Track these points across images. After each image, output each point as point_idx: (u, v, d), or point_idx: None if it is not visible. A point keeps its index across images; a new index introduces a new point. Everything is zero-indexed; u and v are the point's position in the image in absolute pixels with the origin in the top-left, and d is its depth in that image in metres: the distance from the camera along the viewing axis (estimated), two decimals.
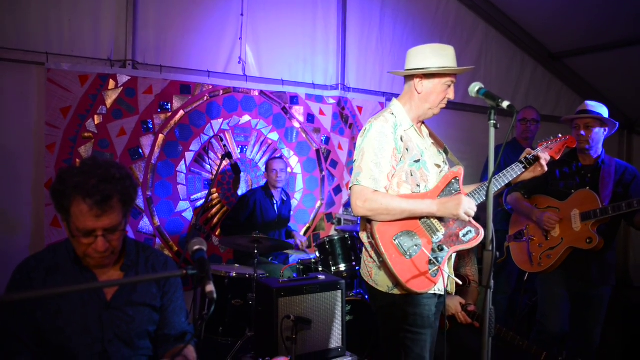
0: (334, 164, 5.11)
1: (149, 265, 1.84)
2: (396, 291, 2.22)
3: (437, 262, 2.17)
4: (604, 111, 3.12)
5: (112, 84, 3.94)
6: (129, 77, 4.00)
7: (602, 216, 2.96)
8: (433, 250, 2.19)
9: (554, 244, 3.13)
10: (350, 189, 2.23)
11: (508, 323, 3.96)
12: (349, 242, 3.95)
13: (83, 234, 1.61)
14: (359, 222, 4.62)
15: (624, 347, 3.98)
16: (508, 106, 1.84)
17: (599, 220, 2.99)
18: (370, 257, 2.30)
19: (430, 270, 2.17)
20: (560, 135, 2.54)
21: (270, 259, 4.35)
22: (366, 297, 3.73)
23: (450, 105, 2.44)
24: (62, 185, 1.59)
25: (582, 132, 3.09)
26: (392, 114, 2.29)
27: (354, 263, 3.91)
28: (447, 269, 2.25)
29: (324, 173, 5.06)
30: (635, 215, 2.99)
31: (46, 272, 1.70)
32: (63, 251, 1.75)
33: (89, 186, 1.57)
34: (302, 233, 4.94)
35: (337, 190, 5.14)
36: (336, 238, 3.95)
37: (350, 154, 5.16)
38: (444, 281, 2.23)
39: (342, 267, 3.88)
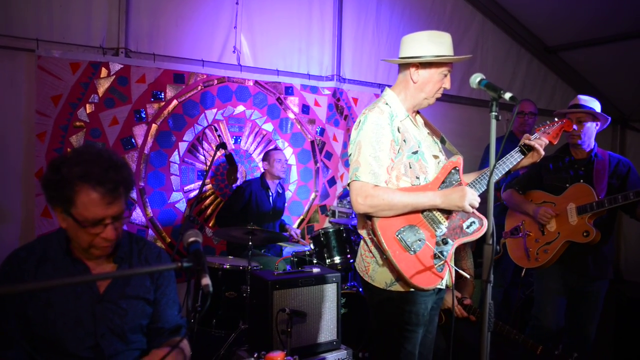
0: (329, 155, 5.08)
1: (142, 258, 1.81)
2: (394, 288, 2.15)
3: (442, 256, 2.11)
4: (596, 105, 3.11)
5: (104, 72, 3.87)
6: (122, 66, 3.93)
7: (599, 209, 2.94)
8: (437, 244, 2.13)
9: (550, 239, 3.12)
10: (348, 185, 2.15)
11: (503, 316, 3.96)
12: (344, 235, 3.93)
13: (92, 224, 1.58)
14: (353, 214, 4.61)
15: (617, 340, 4.00)
16: (510, 98, 1.80)
17: (596, 213, 2.97)
18: (370, 252, 2.23)
19: (435, 265, 2.11)
20: (556, 119, 2.50)
21: (263, 251, 4.32)
22: (360, 289, 3.71)
23: (445, 97, 2.40)
24: (61, 174, 1.55)
25: (575, 127, 3.07)
26: (387, 104, 2.20)
27: (348, 255, 3.88)
28: (452, 263, 2.20)
29: (318, 165, 5.02)
30: (637, 207, 2.97)
31: (37, 263, 1.66)
32: (54, 242, 1.70)
33: (98, 174, 1.55)
34: (296, 225, 4.91)
35: (332, 182, 5.11)
36: (331, 230, 3.93)
37: (345, 145, 5.13)
38: (451, 276, 2.18)
39: (337, 259, 3.85)
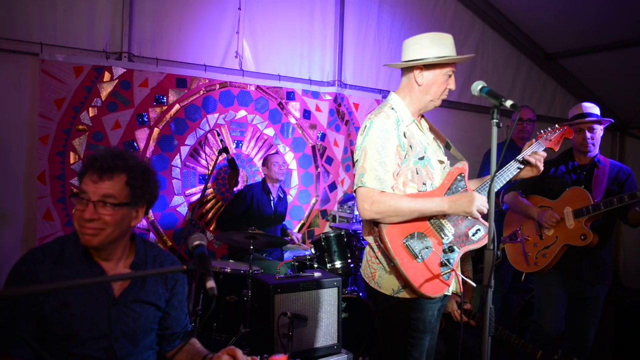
0: (330, 160, 5.10)
1: (157, 264, 1.84)
2: (401, 295, 2.12)
3: (449, 263, 2.10)
4: (598, 111, 3.16)
5: (107, 76, 3.90)
6: (125, 70, 3.96)
7: (595, 212, 2.97)
8: (444, 252, 2.11)
9: (548, 243, 3.14)
10: (354, 191, 2.13)
11: (502, 322, 3.98)
12: (345, 239, 3.94)
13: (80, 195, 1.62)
14: (353, 219, 4.63)
15: (616, 346, 4.02)
16: (511, 105, 1.81)
17: (592, 216, 3.00)
18: (376, 258, 2.19)
19: (442, 272, 2.09)
20: (557, 126, 2.51)
21: (264, 255, 4.33)
22: (361, 294, 3.72)
23: (445, 103, 2.40)
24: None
25: (589, 135, 3.09)
26: (392, 108, 2.18)
27: (349, 260, 3.89)
28: (459, 271, 2.18)
29: (319, 169, 5.04)
30: (629, 210, 3.00)
31: (54, 264, 1.67)
32: (71, 243, 1.71)
33: (100, 159, 1.64)
34: (296, 229, 4.92)
35: (332, 186, 5.13)
36: (332, 235, 3.94)
37: (346, 150, 5.15)
38: (459, 284, 2.16)
39: (338, 264, 3.86)
